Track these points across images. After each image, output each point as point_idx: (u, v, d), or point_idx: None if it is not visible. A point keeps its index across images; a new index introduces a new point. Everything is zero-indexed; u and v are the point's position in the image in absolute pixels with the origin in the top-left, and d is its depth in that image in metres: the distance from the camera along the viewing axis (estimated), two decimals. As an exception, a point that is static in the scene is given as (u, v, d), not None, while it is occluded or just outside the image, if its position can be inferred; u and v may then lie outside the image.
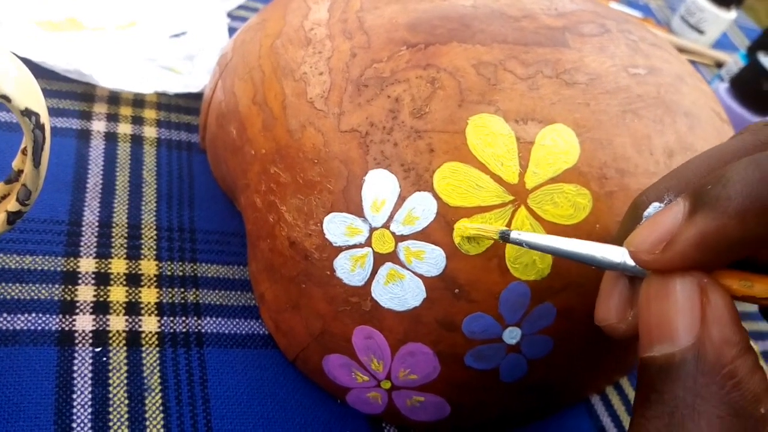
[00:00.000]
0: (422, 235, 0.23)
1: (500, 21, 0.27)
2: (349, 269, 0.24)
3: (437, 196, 0.23)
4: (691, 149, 0.28)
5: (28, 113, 0.20)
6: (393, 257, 0.24)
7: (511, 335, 0.24)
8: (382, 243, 0.24)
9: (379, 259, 0.24)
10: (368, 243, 0.24)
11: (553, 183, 0.24)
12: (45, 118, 0.21)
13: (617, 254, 0.18)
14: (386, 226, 0.24)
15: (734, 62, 0.61)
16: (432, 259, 0.23)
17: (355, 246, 0.24)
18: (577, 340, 0.26)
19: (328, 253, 0.25)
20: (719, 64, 0.70)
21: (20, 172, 0.23)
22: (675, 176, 0.19)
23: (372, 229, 0.24)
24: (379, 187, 0.24)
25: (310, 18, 0.28)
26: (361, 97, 0.25)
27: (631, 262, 0.18)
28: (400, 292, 0.24)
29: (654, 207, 0.19)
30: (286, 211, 0.25)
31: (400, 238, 0.24)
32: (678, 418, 0.15)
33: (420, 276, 0.24)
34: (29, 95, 0.20)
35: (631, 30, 0.30)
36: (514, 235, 0.21)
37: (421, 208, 0.23)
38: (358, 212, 0.24)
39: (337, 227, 0.24)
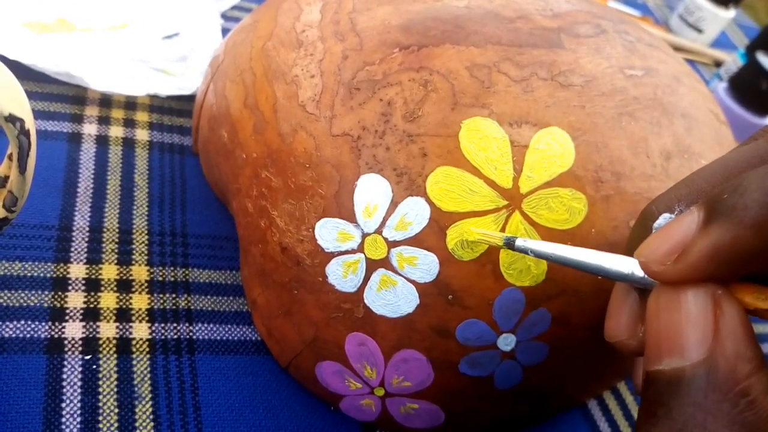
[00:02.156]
0: (415, 241, 0.23)
1: (494, 22, 0.26)
2: (341, 275, 0.24)
3: (430, 201, 0.23)
4: (689, 151, 0.28)
5: (12, 119, 0.20)
6: (386, 263, 0.23)
7: (506, 342, 0.24)
8: (375, 249, 0.23)
9: (372, 265, 0.24)
10: (360, 249, 0.24)
11: (547, 187, 0.23)
12: (30, 124, 0.21)
13: (626, 265, 0.18)
14: (379, 231, 0.23)
15: (733, 61, 0.61)
16: (425, 265, 0.23)
17: (347, 252, 0.24)
18: (573, 346, 0.25)
19: (320, 258, 0.24)
20: (718, 63, 0.69)
21: (6, 178, 0.23)
22: (686, 185, 0.18)
23: (364, 235, 0.23)
24: (372, 192, 0.23)
25: (301, 19, 0.27)
26: (353, 101, 0.24)
27: (640, 273, 0.17)
28: (392, 298, 0.24)
29: (664, 218, 0.18)
30: (277, 216, 0.25)
31: (392, 244, 0.23)
32: None
33: (413, 282, 0.23)
34: (13, 100, 0.20)
35: (627, 30, 0.30)
36: (519, 242, 0.21)
37: (414, 214, 0.23)
38: (350, 218, 0.24)
39: (329, 233, 0.24)
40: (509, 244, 0.21)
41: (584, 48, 0.27)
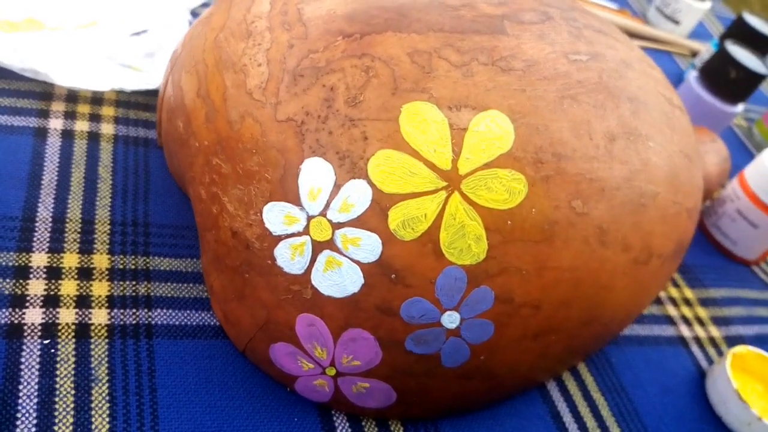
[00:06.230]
0: (358, 222, 0.24)
1: (438, 10, 0.27)
2: (288, 258, 0.25)
3: (372, 183, 0.24)
4: (635, 133, 0.29)
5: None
6: (331, 245, 0.24)
7: (450, 319, 0.25)
8: (320, 231, 0.24)
9: (318, 247, 0.24)
10: (306, 231, 0.24)
11: (486, 168, 0.24)
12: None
13: None
14: (323, 214, 0.24)
15: (707, 51, 0.62)
16: (368, 246, 0.24)
17: (293, 234, 0.24)
18: (519, 324, 0.26)
19: (268, 242, 0.25)
20: (695, 54, 0.70)
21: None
22: None
23: (309, 218, 0.24)
24: (315, 175, 0.24)
25: (252, 11, 0.28)
26: (297, 87, 0.25)
27: None
28: (338, 278, 0.24)
29: None
30: (227, 202, 0.26)
31: (336, 226, 0.24)
32: None
33: (357, 262, 0.24)
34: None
35: (575, 17, 0.30)
36: None
37: (357, 196, 0.24)
38: (296, 201, 0.24)
39: (275, 216, 0.25)
40: None
41: (527, 34, 0.27)
